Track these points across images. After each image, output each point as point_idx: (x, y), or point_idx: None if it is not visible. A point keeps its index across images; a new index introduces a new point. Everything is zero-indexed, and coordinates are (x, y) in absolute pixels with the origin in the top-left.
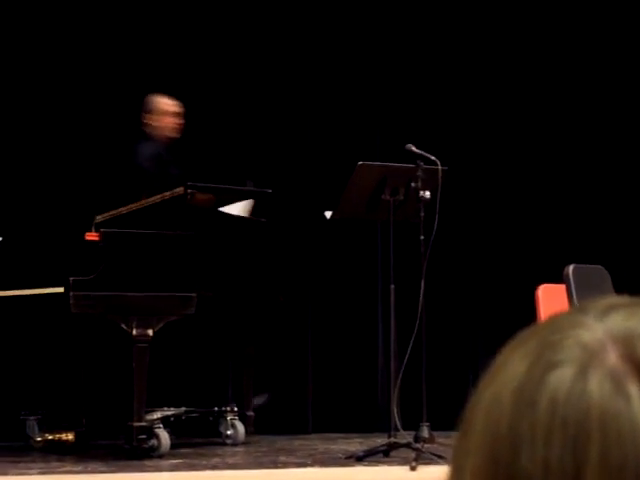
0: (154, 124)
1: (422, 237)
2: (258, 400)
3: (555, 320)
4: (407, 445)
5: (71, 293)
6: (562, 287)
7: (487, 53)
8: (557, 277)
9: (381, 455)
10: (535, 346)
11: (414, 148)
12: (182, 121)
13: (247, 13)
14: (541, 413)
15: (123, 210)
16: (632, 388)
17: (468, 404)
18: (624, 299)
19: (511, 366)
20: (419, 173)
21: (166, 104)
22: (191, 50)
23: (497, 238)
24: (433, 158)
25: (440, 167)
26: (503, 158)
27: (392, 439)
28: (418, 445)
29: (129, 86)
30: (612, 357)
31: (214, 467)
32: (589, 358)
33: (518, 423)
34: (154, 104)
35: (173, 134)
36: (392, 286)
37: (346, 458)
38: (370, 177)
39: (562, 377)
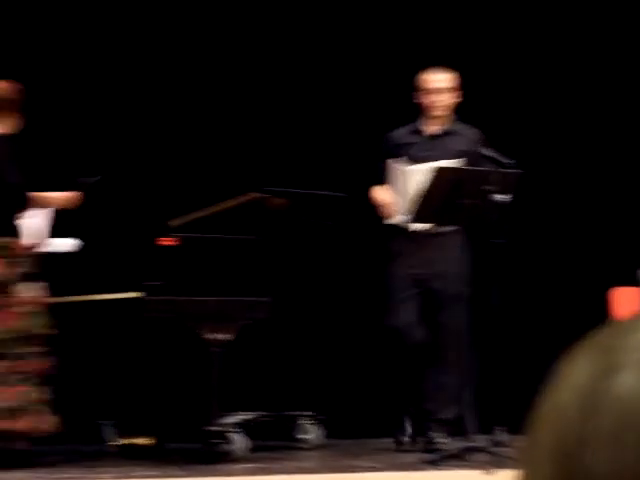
0: (418, 102)
1: (495, 240)
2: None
3: (617, 326)
4: (483, 449)
5: (145, 298)
6: (636, 290)
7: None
8: (631, 280)
9: (457, 459)
10: (597, 352)
11: (488, 151)
12: (441, 98)
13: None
14: (606, 418)
15: (199, 214)
16: None
17: (533, 411)
18: None
19: (575, 372)
20: (494, 176)
21: (423, 80)
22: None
23: (570, 241)
24: (507, 161)
25: (515, 170)
26: (577, 160)
27: (468, 443)
28: (495, 449)
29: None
30: None
31: (288, 471)
32: None
33: (585, 429)
34: (418, 81)
35: (433, 112)
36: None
37: (421, 462)
38: (446, 181)
39: (625, 381)
